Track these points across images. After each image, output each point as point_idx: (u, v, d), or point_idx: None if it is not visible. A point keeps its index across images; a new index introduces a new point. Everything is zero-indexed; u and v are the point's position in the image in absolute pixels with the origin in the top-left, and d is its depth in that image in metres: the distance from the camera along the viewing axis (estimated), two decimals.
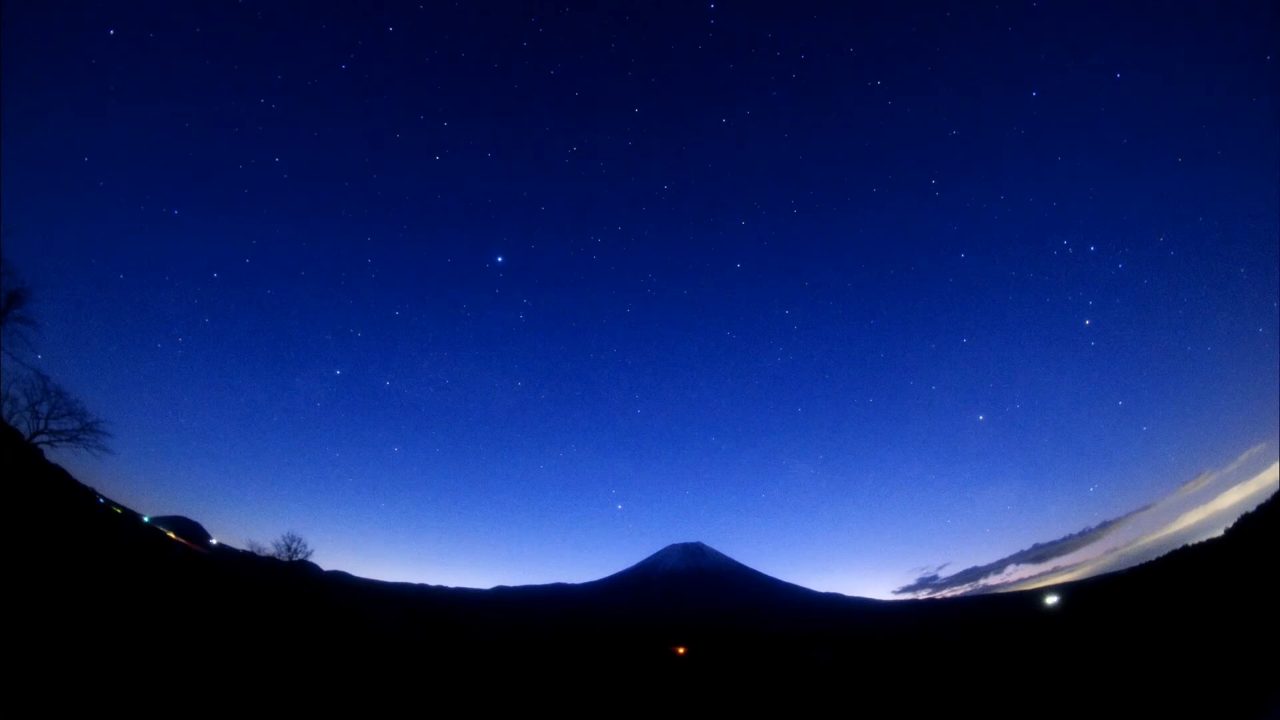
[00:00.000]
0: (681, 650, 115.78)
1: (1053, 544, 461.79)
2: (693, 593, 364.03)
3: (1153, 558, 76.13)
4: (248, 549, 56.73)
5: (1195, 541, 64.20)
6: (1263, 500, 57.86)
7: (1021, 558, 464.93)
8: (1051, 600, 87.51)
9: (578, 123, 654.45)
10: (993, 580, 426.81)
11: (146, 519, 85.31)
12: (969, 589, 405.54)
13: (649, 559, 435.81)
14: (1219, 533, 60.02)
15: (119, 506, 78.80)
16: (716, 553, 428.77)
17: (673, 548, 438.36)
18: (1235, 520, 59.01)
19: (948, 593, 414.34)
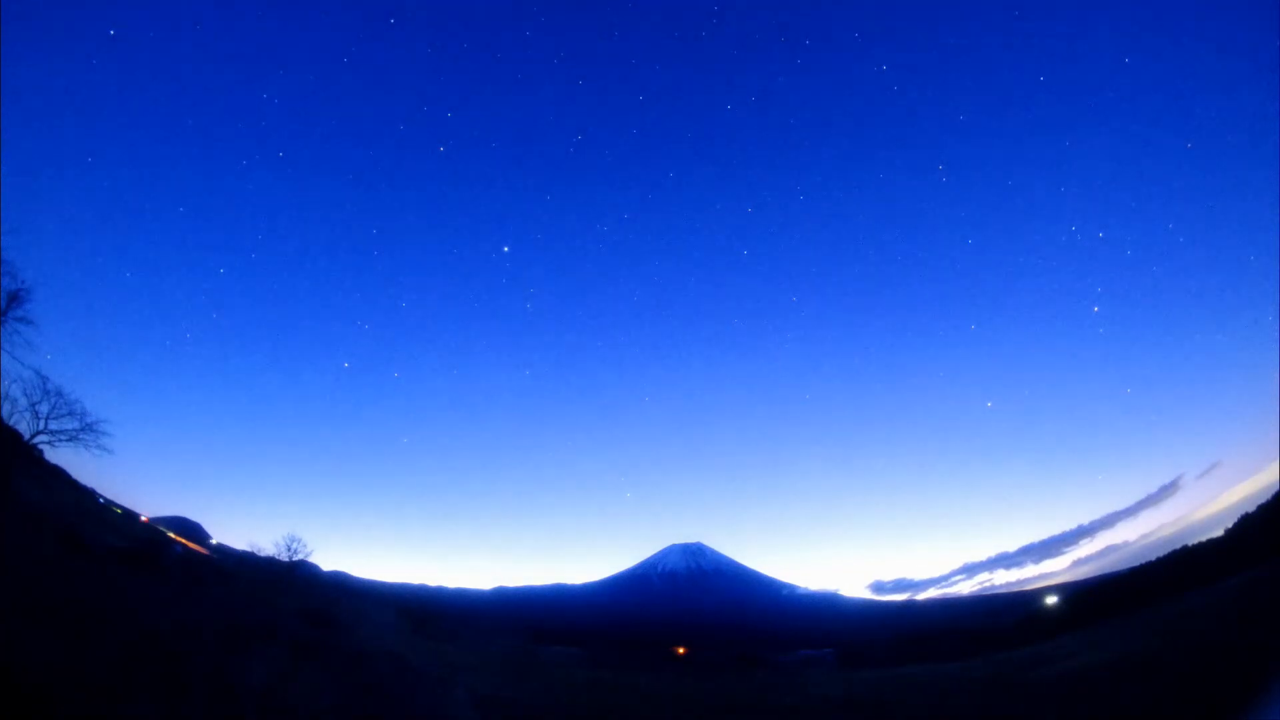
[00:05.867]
0: (682, 650, 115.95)
1: (1021, 551, 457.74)
2: (693, 593, 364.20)
3: (1131, 567, 76.44)
4: (248, 549, 56.79)
5: (1195, 542, 64.23)
6: (1263, 500, 57.84)
7: (993, 564, 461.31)
8: (1052, 600, 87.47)
9: (582, 111, 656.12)
10: (965, 588, 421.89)
11: (146, 519, 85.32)
12: (939, 594, 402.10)
13: (649, 559, 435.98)
14: (1219, 533, 60.07)
15: (119, 506, 78.86)
16: (716, 553, 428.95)
17: (673, 548, 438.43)
18: (1236, 520, 59.04)
19: (933, 594, 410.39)
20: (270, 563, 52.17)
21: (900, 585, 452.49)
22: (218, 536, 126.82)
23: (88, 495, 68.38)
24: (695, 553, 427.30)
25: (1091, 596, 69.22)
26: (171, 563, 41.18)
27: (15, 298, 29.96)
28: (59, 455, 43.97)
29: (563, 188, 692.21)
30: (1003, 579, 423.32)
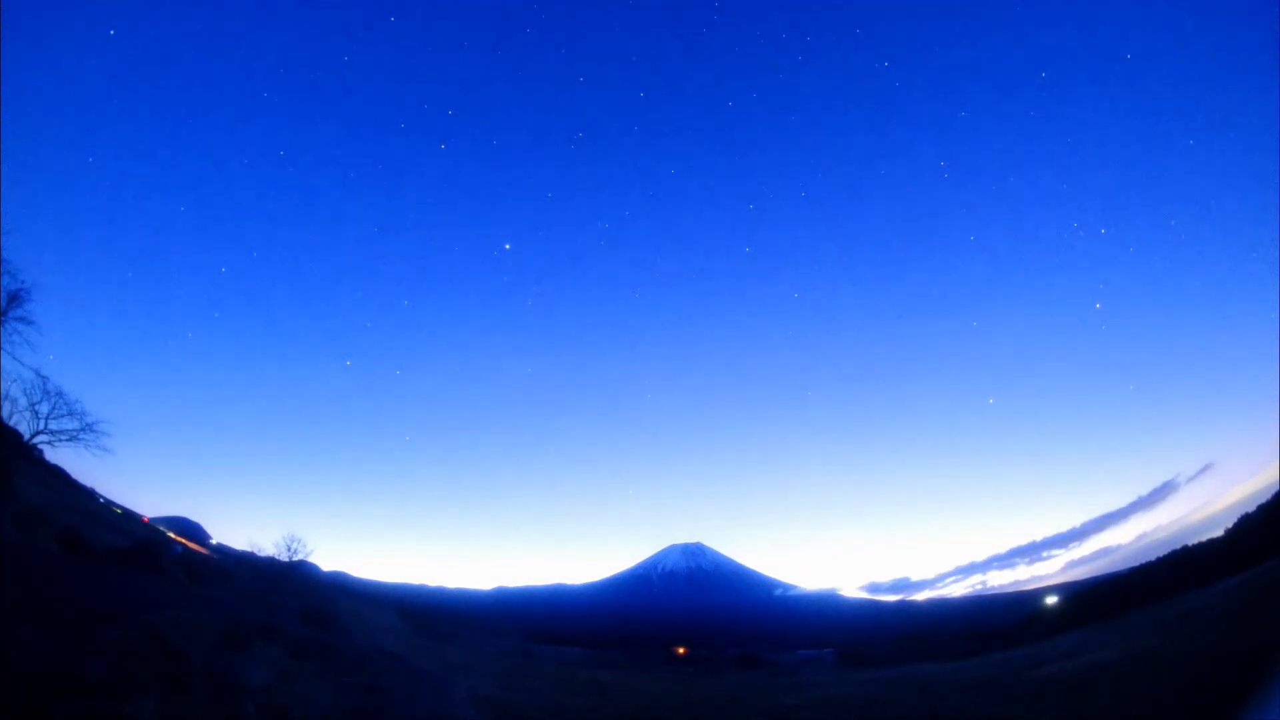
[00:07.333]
0: (682, 650, 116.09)
1: (1013, 552, 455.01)
2: (693, 593, 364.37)
3: (1130, 568, 76.31)
4: (248, 549, 56.67)
5: (1194, 542, 64.19)
6: (1263, 500, 57.76)
7: (987, 565, 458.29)
8: (1050, 600, 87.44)
9: (583, 108, 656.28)
10: (959, 589, 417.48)
11: (146, 519, 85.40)
12: (935, 595, 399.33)
13: (649, 559, 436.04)
14: (1218, 533, 60.04)
15: (119, 506, 78.91)
16: (716, 553, 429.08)
17: (673, 548, 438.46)
18: (1235, 520, 59.00)
19: (929, 594, 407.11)
20: (270, 563, 52.05)
21: (898, 586, 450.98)
22: (218, 536, 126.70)
23: (88, 495, 68.38)
24: (695, 553, 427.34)
25: (1090, 596, 69.17)
26: (171, 563, 41.21)
27: (15, 298, 29.91)
28: (59, 455, 43.86)
29: (563, 187, 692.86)
30: (997, 580, 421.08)
